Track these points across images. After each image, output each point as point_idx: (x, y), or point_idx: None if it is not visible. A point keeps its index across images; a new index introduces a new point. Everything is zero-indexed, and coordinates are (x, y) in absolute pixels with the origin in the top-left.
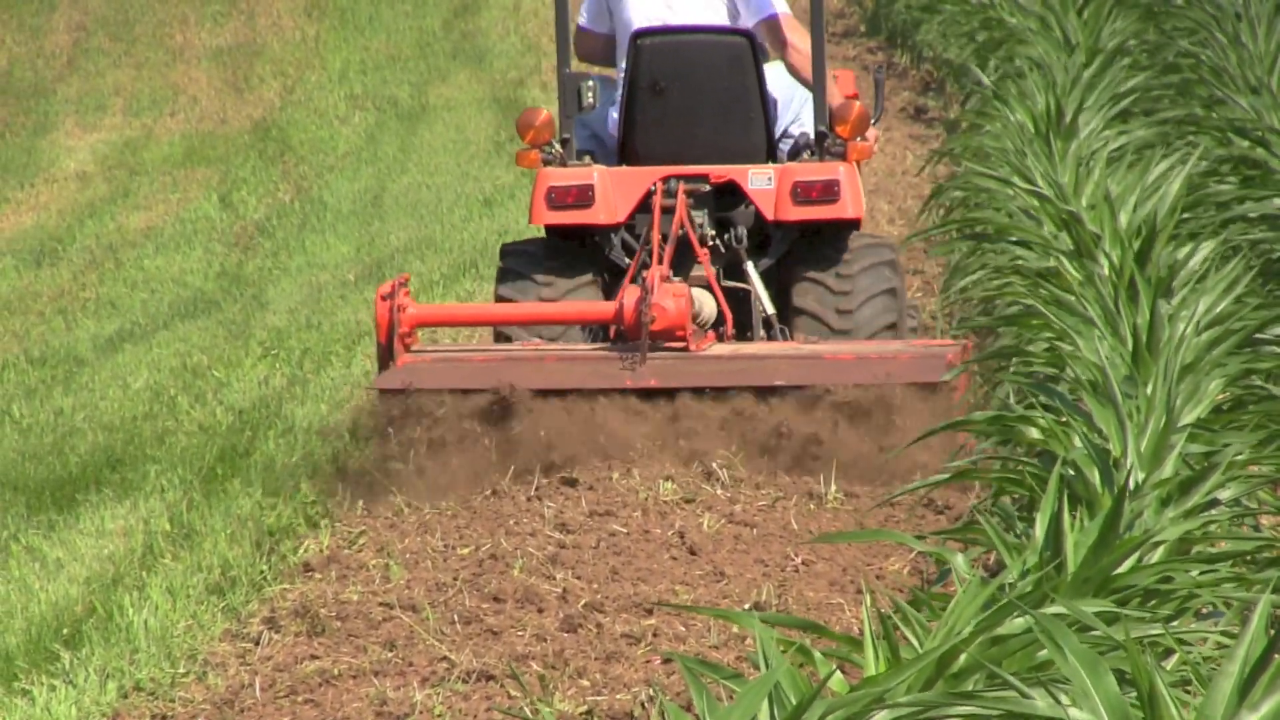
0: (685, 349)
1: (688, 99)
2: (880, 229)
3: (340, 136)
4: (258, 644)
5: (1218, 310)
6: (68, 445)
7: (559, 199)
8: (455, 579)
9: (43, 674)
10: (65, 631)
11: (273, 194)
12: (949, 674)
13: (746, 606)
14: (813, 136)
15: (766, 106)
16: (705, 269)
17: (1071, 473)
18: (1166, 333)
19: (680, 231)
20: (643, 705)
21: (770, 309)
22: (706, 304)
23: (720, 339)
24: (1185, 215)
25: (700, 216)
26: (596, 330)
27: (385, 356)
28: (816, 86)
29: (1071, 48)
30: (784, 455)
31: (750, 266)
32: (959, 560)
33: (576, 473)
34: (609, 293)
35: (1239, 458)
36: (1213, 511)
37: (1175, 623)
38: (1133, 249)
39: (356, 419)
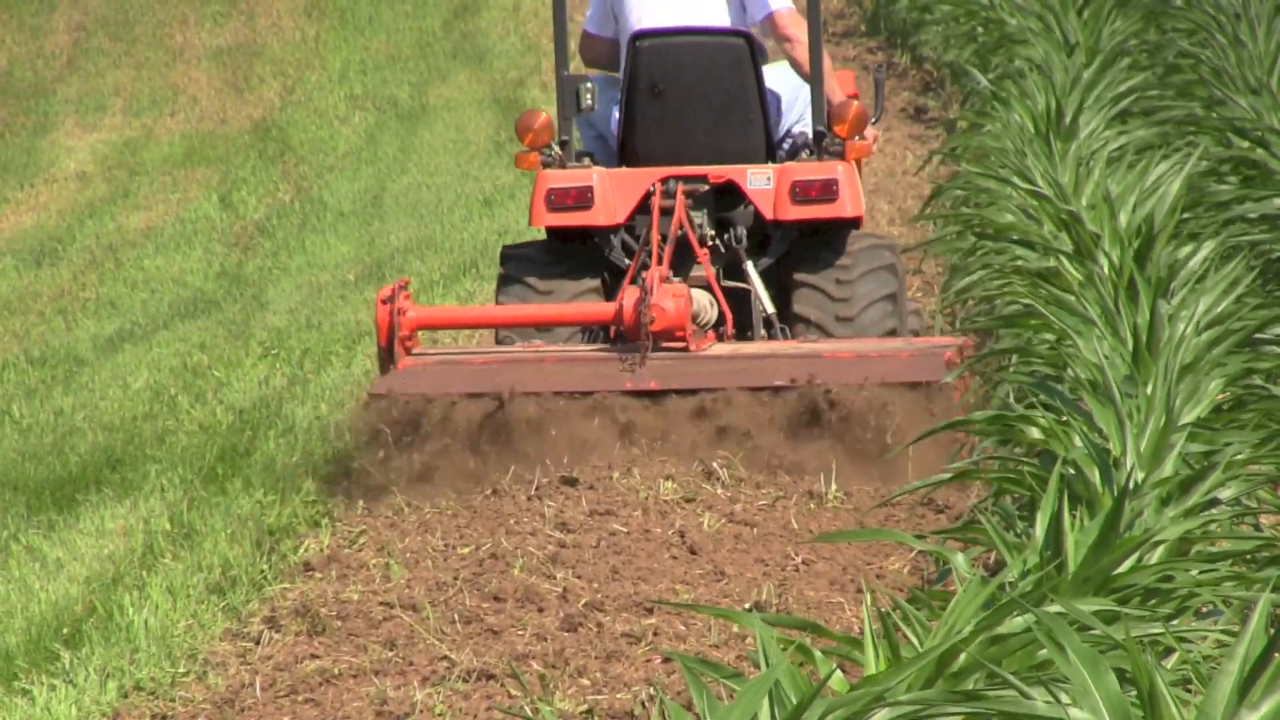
0: (685, 349)
1: (686, 100)
2: (880, 229)
3: (340, 136)
4: (258, 643)
5: (1218, 310)
6: (68, 445)
7: (558, 201)
8: (456, 578)
9: (43, 674)
10: (65, 631)
11: (273, 194)
12: (949, 673)
13: (747, 606)
14: (811, 136)
15: (765, 107)
16: (705, 269)
17: (1072, 472)
18: (1166, 332)
19: (679, 232)
20: (643, 704)
21: (770, 308)
22: (706, 304)
23: (720, 339)
24: (1185, 215)
25: (700, 217)
26: (595, 331)
27: (386, 360)
28: (814, 86)
29: (1071, 48)
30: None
31: (750, 266)
32: (959, 559)
33: (576, 472)
34: (610, 294)
35: (1239, 457)
36: (1213, 511)
37: (1175, 622)
38: (1132, 249)
39: (356, 419)
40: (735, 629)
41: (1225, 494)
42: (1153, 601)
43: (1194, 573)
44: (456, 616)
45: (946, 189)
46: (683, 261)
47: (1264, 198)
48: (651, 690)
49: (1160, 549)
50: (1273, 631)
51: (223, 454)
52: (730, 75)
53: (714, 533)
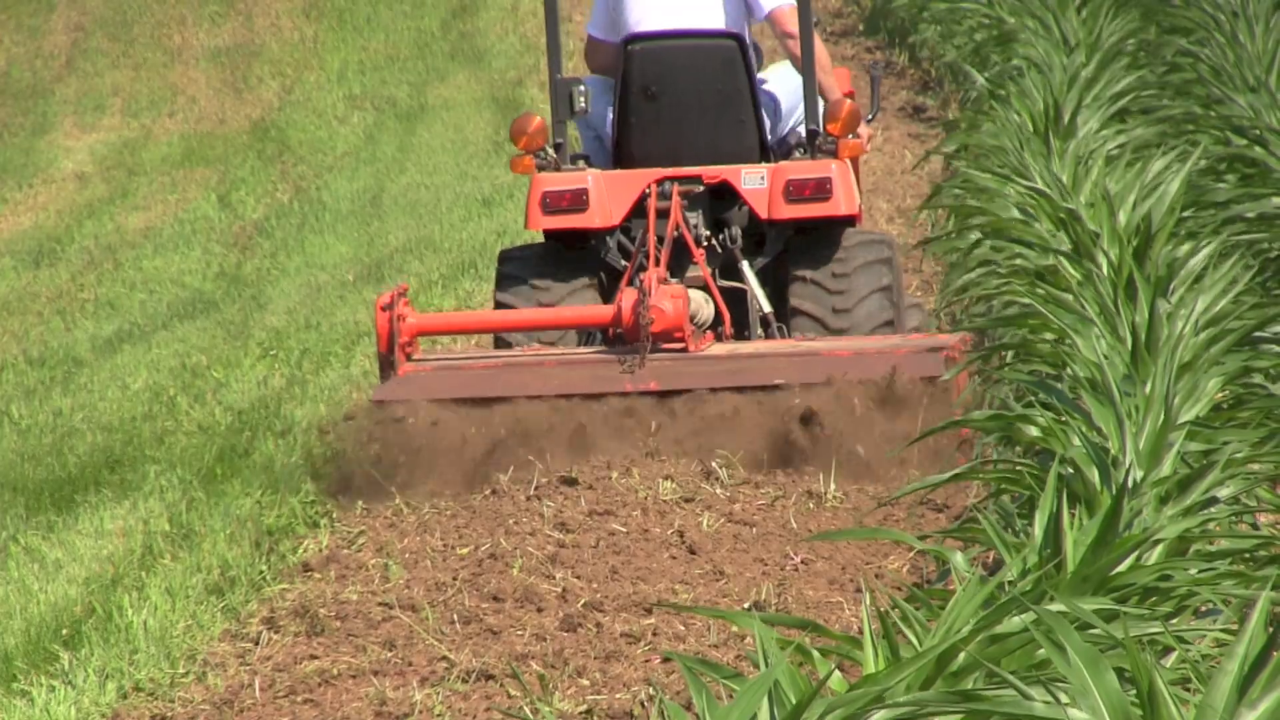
0: (684, 350)
1: (679, 102)
2: (879, 227)
3: (339, 137)
4: (257, 644)
5: (1216, 309)
6: (67, 446)
7: (554, 204)
8: (455, 578)
9: (42, 675)
10: (64, 632)
11: (271, 194)
12: (948, 672)
13: (746, 605)
14: (804, 135)
15: (758, 107)
16: (701, 269)
17: (1070, 471)
18: (1165, 331)
19: (675, 233)
20: (642, 704)
21: (767, 307)
22: (704, 305)
23: (719, 339)
24: (1184, 214)
25: (695, 217)
26: (592, 333)
27: (386, 366)
28: (807, 85)
29: (1070, 47)
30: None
31: (746, 266)
32: (958, 559)
33: (576, 472)
34: (607, 296)
35: (1237, 456)
36: (1211, 509)
37: (1174, 621)
38: (1131, 248)
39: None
40: (735, 628)
41: (1224, 493)
42: (1151, 600)
43: (1193, 571)
44: (455, 617)
45: (946, 187)
46: (679, 262)
47: (1262, 196)
48: (651, 690)
49: (1159, 548)
50: (1272, 630)
51: (221, 455)
52: (722, 76)
53: (713, 532)
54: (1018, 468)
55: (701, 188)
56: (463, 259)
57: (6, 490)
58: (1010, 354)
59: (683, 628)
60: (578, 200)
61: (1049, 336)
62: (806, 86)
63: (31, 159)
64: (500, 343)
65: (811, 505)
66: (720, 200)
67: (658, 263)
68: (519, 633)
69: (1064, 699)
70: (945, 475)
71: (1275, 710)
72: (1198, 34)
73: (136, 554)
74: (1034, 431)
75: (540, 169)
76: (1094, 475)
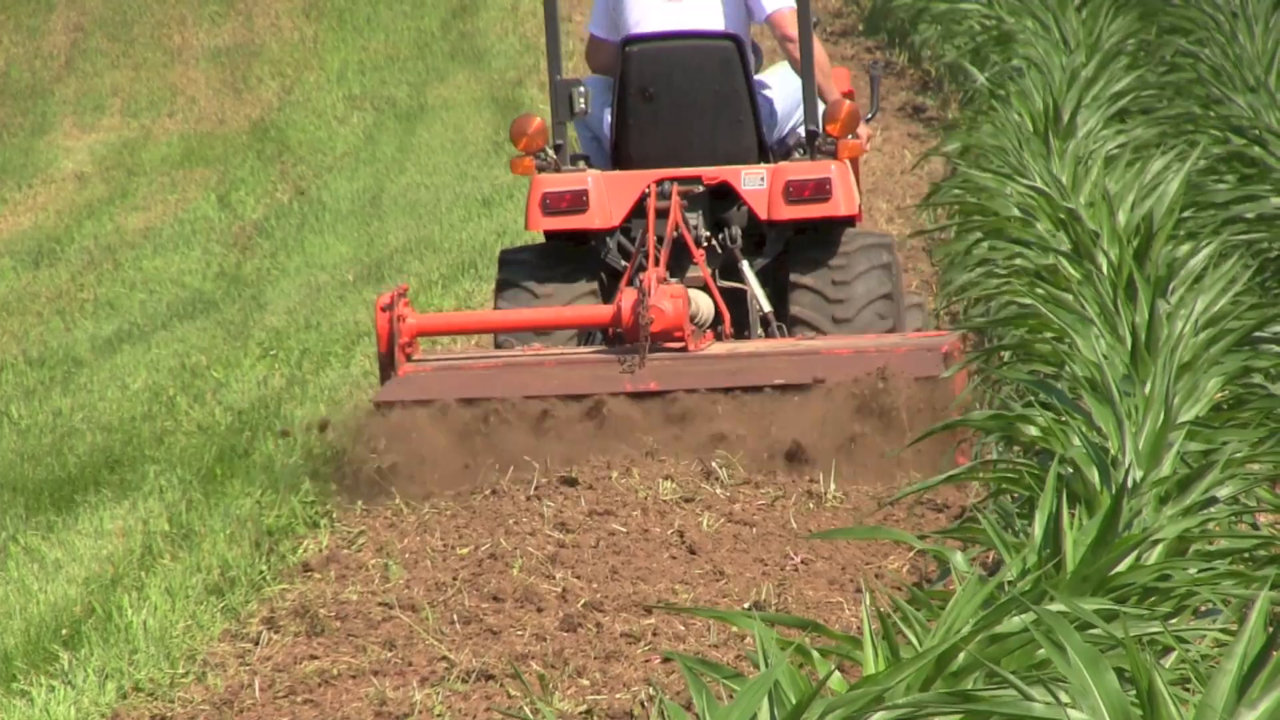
0: (684, 349)
1: (677, 103)
2: (879, 227)
3: (338, 137)
4: (257, 644)
5: (1215, 309)
6: (66, 446)
7: (554, 205)
8: (455, 578)
9: (42, 675)
10: (64, 632)
11: (271, 194)
12: (948, 673)
13: (746, 605)
14: (804, 135)
15: (756, 108)
16: (701, 269)
17: (1070, 471)
18: (1165, 331)
19: (675, 234)
20: (642, 704)
21: (767, 307)
22: (704, 304)
23: (718, 338)
24: (1183, 214)
25: (695, 218)
26: (591, 333)
27: (387, 367)
28: (806, 86)
29: (1070, 47)
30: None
31: (746, 266)
32: (958, 558)
33: (576, 472)
34: (608, 296)
35: (1237, 455)
36: (1211, 509)
37: (1174, 621)
38: (1131, 247)
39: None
40: (735, 629)
41: (1223, 492)
42: (1151, 600)
43: (1192, 571)
44: (455, 617)
45: (945, 186)
46: (679, 263)
47: (1262, 196)
48: (651, 690)
49: (1158, 548)
50: (1271, 630)
51: (221, 455)
52: (721, 77)
53: (713, 532)
54: (1017, 468)
55: (701, 188)
56: (462, 259)
57: (6, 490)
58: (1009, 354)
59: (683, 628)
60: (578, 201)
61: (1049, 336)
62: (806, 87)
63: (31, 159)
64: (499, 343)
65: (811, 505)
66: (720, 201)
67: (657, 263)
68: (519, 633)
69: (1064, 699)
70: (945, 475)
71: (1275, 710)
72: (1197, 34)
73: (136, 554)
74: (1034, 431)
75: (540, 170)
76: (1094, 475)
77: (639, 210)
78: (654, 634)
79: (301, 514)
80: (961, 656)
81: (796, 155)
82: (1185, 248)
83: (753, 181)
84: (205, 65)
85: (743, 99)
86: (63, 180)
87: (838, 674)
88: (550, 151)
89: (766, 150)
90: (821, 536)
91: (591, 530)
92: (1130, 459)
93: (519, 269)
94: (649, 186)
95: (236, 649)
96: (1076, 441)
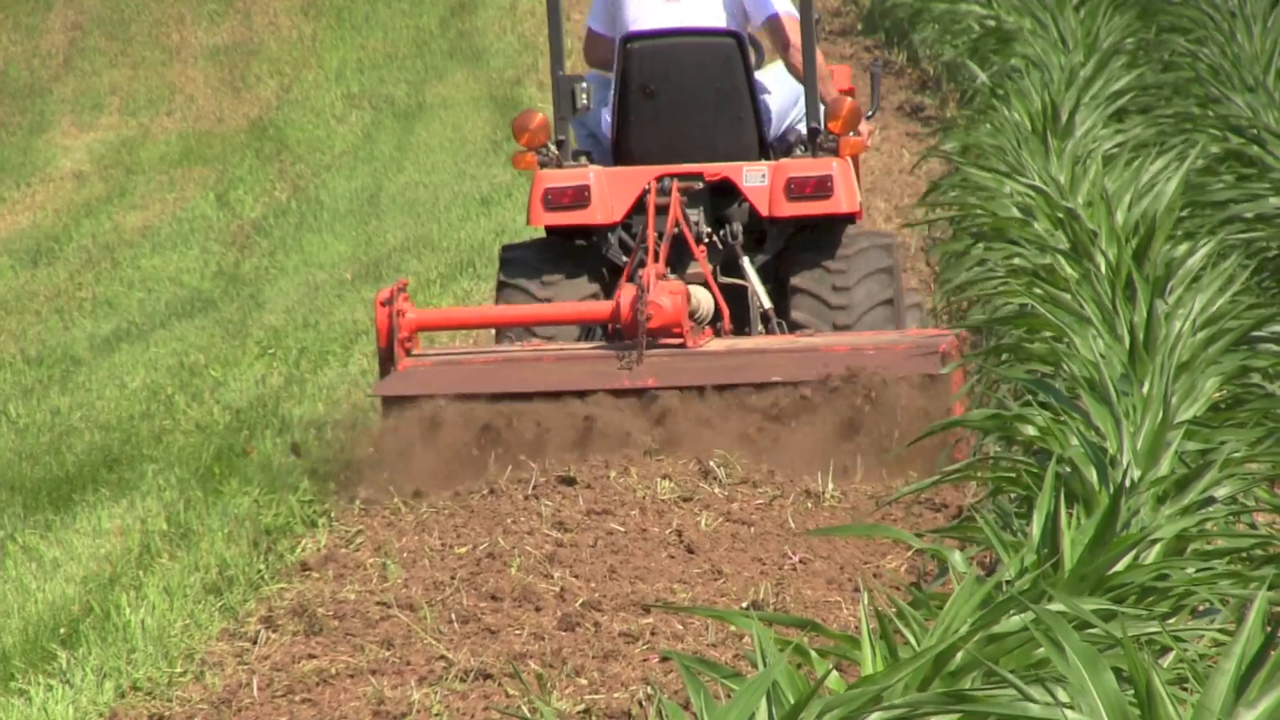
0: (682, 346)
1: (678, 100)
2: (877, 227)
3: (337, 135)
4: (255, 643)
5: (1214, 308)
6: (65, 445)
7: (556, 200)
8: (453, 578)
9: (40, 674)
10: (62, 631)
11: (269, 193)
12: (946, 672)
13: (744, 605)
14: (805, 133)
15: (757, 105)
16: (701, 266)
17: (1068, 470)
18: (1163, 330)
19: (675, 230)
20: (640, 704)
21: (767, 304)
22: (704, 300)
23: (718, 334)
24: (1181, 214)
25: (696, 214)
26: (592, 329)
27: (386, 361)
28: (808, 83)
29: (1068, 47)
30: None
31: (746, 262)
32: (956, 558)
33: (574, 471)
34: (609, 292)
35: (1235, 455)
36: (1209, 509)
37: (1172, 620)
38: (1130, 247)
39: (354, 418)
40: (733, 628)
41: (1221, 492)
42: (1149, 600)
43: (1190, 571)
44: (454, 616)
45: (944, 184)
46: (682, 259)
47: (1260, 195)
48: (649, 690)
49: (1156, 547)
50: (1269, 629)
51: (220, 453)
52: (721, 74)
53: (711, 532)
54: (1015, 467)
55: (702, 185)
56: (461, 258)
57: (4, 489)
58: (1007, 353)
59: (681, 627)
60: (579, 197)
61: (1047, 335)
62: (808, 84)
63: (29, 158)
64: (501, 337)
65: (809, 505)
66: (721, 197)
67: (657, 259)
68: (517, 632)
69: (1062, 698)
70: (944, 474)
71: (1273, 709)
72: (1196, 33)
73: (134, 553)
74: (1032, 431)
75: (542, 165)
76: (1092, 475)
77: (640, 206)
78: (652, 633)
79: (299, 513)
80: (960, 656)
81: (798, 152)
82: (1183, 247)
83: (754, 178)
84: (204, 64)
85: (744, 96)
86: (61, 179)
87: (836, 673)
88: (552, 147)
89: (767, 147)
90: (820, 534)
91: (590, 529)
92: (1128, 458)
93: (520, 265)
94: (649, 183)
95: (234, 648)
96: (1074, 441)
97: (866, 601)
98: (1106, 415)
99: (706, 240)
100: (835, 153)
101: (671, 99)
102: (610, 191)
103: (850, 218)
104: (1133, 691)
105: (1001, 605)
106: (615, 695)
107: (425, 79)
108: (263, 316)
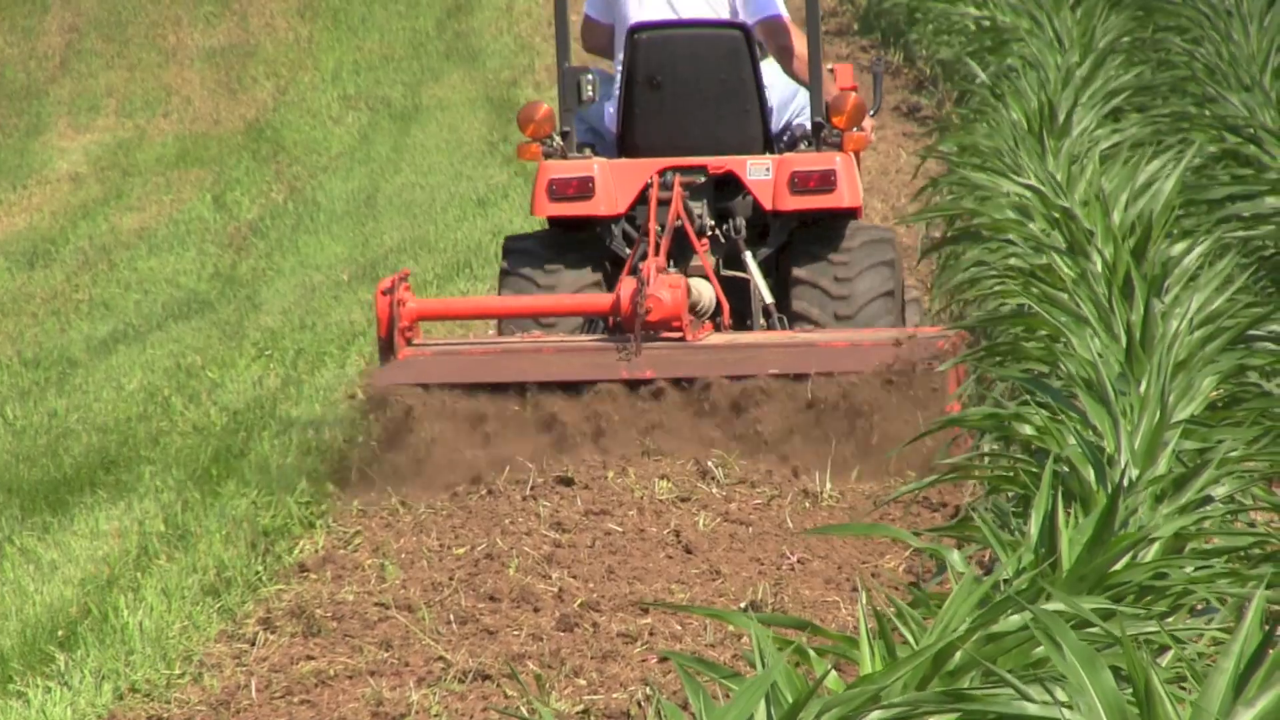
0: (682, 339)
1: (684, 92)
2: None
3: (333, 137)
4: (253, 645)
5: (1211, 307)
6: (62, 447)
7: (560, 191)
8: (451, 579)
9: (37, 676)
10: (60, 633)
11: (266, 194)
12: (945, 671)
13: (742, 605)
14: (809, 127)
15: (763, 98)
16: (702, 259)
17: (1066, 470)
18: (1160, 329)
19: (677, 223)
20: (639, 704)
21: (769, 298)
22: (705, 294)
23: (718, 328)
24: (1178, 213)
25: (699, 207)
26: (596, 320)
27: (386, 350)
28: (813, 78)
29: (1064, 46)
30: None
31: (749, 256)
32: (954, 557)
33: (572, 471)
34: (612, 284)
35: (1233, 454)
36: (1207, 508)
37: (1170, 619)
38: (1126, 246)
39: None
40: (731, 628)
41: (1219, 491)
42: (1147, 599)
43: (1188, 570)
44: (452, 617)
45: (941, 183)
46: (684, 252)
47: (1257, 195)
48: (647, 690)
49: (1154, 546)
50: (1267, 628)
51: (217, 455)
52: (727, 67)
53: (709, 532)
54: (1013, 466)
55: (705, 178)
56: (457, 259)
57: (2, 491)
58: (1006, 352)
59: (679, 627)
60: (584, 188)
61: (1044, 334)
62: (812, 78)
63: (26, 160)
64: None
65: (808, 504)
66: (724, 190)
67: (658, 252)
68: (515, 633)
69: (1061, 697)
70: (942, 473)
71: (1271, 708)
72: (1192, 32)
73: (132, 555)
74: (1029, 430)
75: (547, 156)
76: (1089, 474)
77: (645, 198)
78: (650, 633)
79: (297, 514)
80: (958, 655)
81: (803, 147)
82: (1180, 246)
83: (758, 171)
84: (200, 66)
85: (749, 89)
86: (57, 181)
87: (834, 673)
88: (557, 138)
89: (771, 141)
90: (818, 533)
91: (588, 530)
92: (1126, 457)
93: (523, 256)
94: (652, 175)
95: (233, 649)
96: (1072, 440)
97: (865, 601)
98: (1104, 414)
99: (709, 233)
100: (839, 147)
101: (677, 91)
102: (614, 183)
103: (853, 212)
104: (1131, 690)
105: (1000, 604)
106: (614, 696)
107: (421, 80)
108: (259, 318)
